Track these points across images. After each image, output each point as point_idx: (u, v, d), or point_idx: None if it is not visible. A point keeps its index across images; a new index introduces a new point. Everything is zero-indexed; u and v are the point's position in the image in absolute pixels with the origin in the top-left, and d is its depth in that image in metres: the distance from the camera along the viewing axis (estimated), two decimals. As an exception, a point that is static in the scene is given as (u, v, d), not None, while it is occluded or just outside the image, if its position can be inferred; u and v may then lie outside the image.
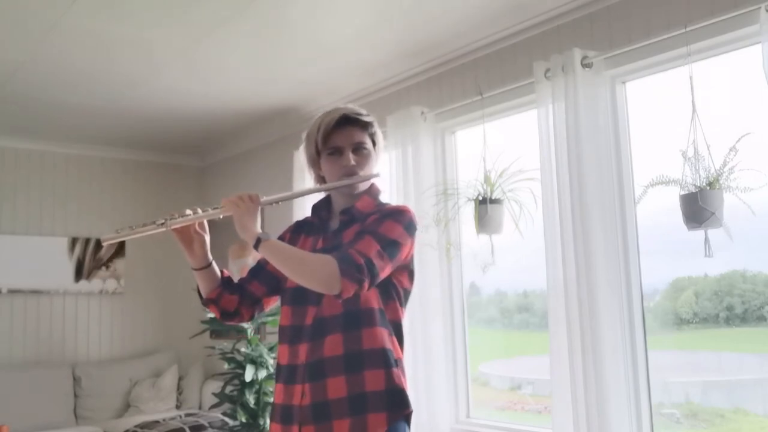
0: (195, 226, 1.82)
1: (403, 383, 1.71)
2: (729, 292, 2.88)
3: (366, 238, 1.65)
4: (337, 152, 1.78)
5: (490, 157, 3.22)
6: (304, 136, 1.87)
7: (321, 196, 1.91)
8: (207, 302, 1.89)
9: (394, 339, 1.75)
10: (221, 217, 1.77)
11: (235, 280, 1.94)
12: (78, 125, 4.92)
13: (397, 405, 1.68)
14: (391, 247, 1.66)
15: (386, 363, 1.69)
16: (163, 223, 1.76)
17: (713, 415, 2.93)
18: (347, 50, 3.63)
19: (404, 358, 1.80)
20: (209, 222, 1.85)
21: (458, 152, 3.76)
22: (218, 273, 1.90)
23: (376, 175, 1.83)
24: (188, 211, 1.78)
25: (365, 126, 1.81)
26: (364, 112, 1.81)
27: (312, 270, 1.61)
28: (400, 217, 1.72)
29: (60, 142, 5.34)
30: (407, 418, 1.71)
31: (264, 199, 1.76)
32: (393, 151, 3.76)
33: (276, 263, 1.67)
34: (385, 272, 1.66)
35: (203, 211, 1.79)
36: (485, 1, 3.06)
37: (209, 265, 1.87)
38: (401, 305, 1.79)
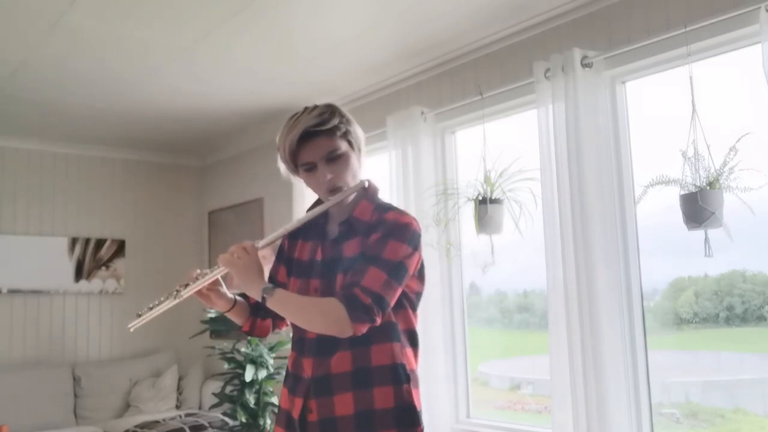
0: (204, 287, 1.78)
1: (415, 399, 1.66)
2: (729, 292, 2.88)
3: (370, 271, 1.59)
4: (313, 168, 1.70)
5: (490, 157, 3.22)
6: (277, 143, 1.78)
7: (314, 198, 1.85)
8: (245, 334, 1.92)
9: (408, 350, 1.70)
10: (224, 274, 1.74)
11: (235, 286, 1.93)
12: (78, 125, 4.92)
13: (407, 423, 1.64)
14: (397, 270, 1.61)
15: (396, 380, 1.64)
16: (176, 296, 1.75)
17: (713, 415, 2.93)
18: (347, 50, 3.63)
19: None
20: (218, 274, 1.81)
21: (458, 152, 3.76)
22: (246, 304, 1.88)
23: (361, 185, 1.74)
24: (196, 273, 1.75)
25: (332, 132, 1.68)
26: (324, 118, 1.67)
27: (321, 320, 1.59)
28: (403, 234, 1.64)
29: (60, 142, 5.34)
30: None
31: (260, 244, 1.70)
32: (393, 151, 3.76)
33: (284, 315, 1.67)
34: (395, 298, 1.63)
35: (210, 272, 1.75)
36: (485, 1, 3.06)
37: (234, 304, 1.84)
38: (413, 310, 1.74)
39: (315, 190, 1.75)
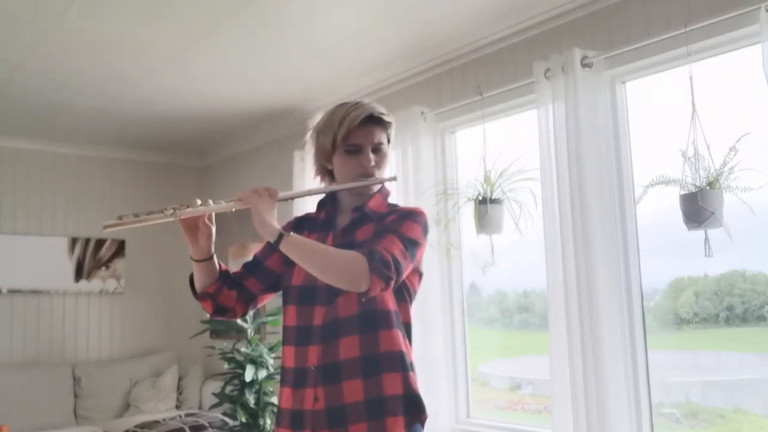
0: (204, 218, 1.73)
1: (418, 388, 1.69)
2: (729, 292, 2.88)
3: (389, 237, 1.62)
4: (357, 151, 1.73)
5: (490, 157, 3.22)
6: (316, 122, 1.81)
7: (315, 198, 1.87)
8: (203, 296, 1.80)
9: (407, 342, 1.72)
10: (233, 210, 1.70)
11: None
12: (78, 125, 4.92)
13: (415, 410, 1.65)
14: (412, 246, 1.65)
15: (403, 366, 1.66)
16: (172, 213, 1.66)
17: (713, 415, 2.93)
18: (347, 50, 3.63)
19: None
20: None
21: (458, 152, 3.76)
22: (217, 266, 1.81)
23: (394, 178, 1.81)
24: (198, 201, 1.71)
25: (386, 125, 1.78)
26: (385, 111, 1.78)
27: (340, 267, 1.56)
28: (418, 218, 1.72)
29: (60, 142, 5.34)
30: (423, 424, 1.68)
31: (281, 194, 1.70)
32: (393, 151, 3.73)
33: (299, 260, 1.61)
34: (407, 272, 1.65)
35: (215, 203, 1.71)
36: (485, 1, 3.06)
37: (211, 257, 1.78)
38: (410, 306, 1.77)
39: (348, 173, 1.75)
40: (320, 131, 1.78)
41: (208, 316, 4.43)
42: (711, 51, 2.63)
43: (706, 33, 2.53)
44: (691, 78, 2.52)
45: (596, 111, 2.85)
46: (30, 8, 3.03)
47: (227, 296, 1.80)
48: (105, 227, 1.68)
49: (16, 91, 4.15)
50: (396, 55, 3.69)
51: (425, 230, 1.72)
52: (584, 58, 2.86)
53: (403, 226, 1.67)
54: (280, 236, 1.60)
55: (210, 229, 1.76)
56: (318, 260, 1.59)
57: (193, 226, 1.74)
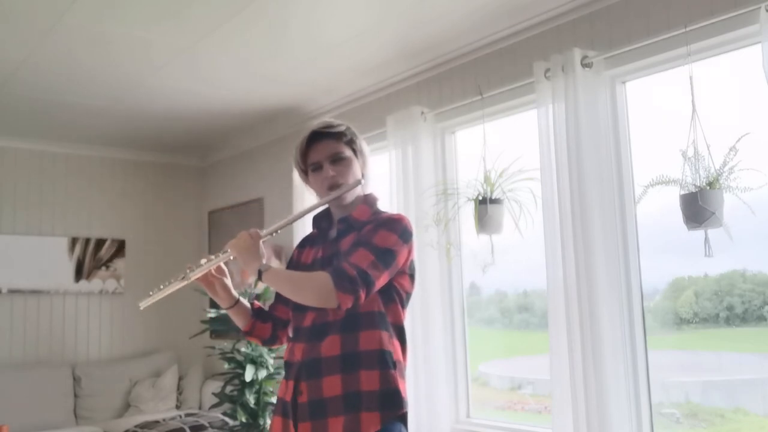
0: (212, 272, 1.93)
1: (399, 385, 1.75)
2: (729, 292, 2.88)
3: (360, 251, 1.73)
4: (319, 167, 1.87)
5: (490, 157, 3.22)
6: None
7: (315, 200, 1.99)
8: (245, 335, 2.03)
9: (396, 341, 1.79)
10: (232, 258, 1.87)
11: (234, 284, 2.04)
12: (78, 125, 4.92)
13: (391, 406, 1.72)
14: (385, 256, 1.73)
15: (382, 364, 1.73)
16: (183, 277, 1.91)
17: (713, 415, 2.93)
18: (347, 50, 3.63)
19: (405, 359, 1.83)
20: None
21: (458, 152, 3.75)
22: (248, 307, 2.02)
23: (359, 182, 1.88)
24: (203, 260, 1.92)
25: (338, 136, 1.87)
26: (335, 123, 1.89)
27: (309, 289, 1.72)
28: (394, 226, 1.79)
29: (60, 142, 5.34)
30: (403, 419, 1.75)
31: (263, 232, 1.86)
32: (393, 151, 3.76)
33: (278, 289, 1.82)
34: (381, 280, 1.73)
35: (216, 257, 1.91)
36: (485, 1, 3.06)
37: (237, 302, 1.99)
38: (403, 307, 1.84)
39: (318, 190, 1.89)
40: (294, 164, 1.95)
41: (208, 316, 4.45)
42: (711, 51, 2.63)
43: (706, 33, 2.53)
44: (691, 78, 2.52)
45: (596, 111, 2.85)
46: (30, 7, 3.03)
47: (262, 329, 2.02)
48: (141, 306, 2.00)
49: (16, 91, 4.15)
50: (396, 55, 3.69)
51: (403, 236, 1.79)
52: (584, 58, 2.87)
53: (377, 236, 1.76)
54: (260, 272, 1.78)
55: (221, 280, 1.97)
56: (291, 287, 1.77)
57: (207, 282, 1.96)
